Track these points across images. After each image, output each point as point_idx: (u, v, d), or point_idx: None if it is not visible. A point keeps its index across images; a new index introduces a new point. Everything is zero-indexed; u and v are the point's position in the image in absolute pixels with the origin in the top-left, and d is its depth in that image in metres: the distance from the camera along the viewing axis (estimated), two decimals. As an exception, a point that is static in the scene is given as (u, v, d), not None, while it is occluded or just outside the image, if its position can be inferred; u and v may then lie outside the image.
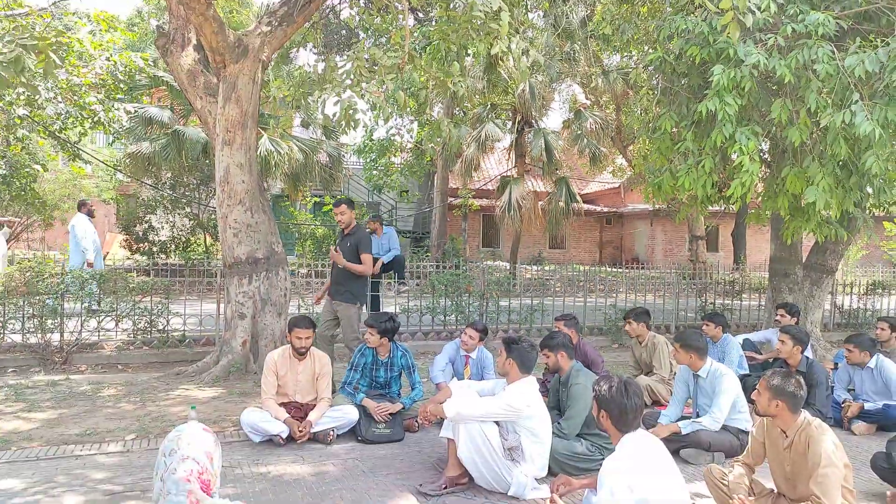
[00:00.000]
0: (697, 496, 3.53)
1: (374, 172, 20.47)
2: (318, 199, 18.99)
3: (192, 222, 17.56)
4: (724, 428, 4.34)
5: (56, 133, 12.89)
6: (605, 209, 26.40)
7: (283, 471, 3.96)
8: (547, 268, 18.83)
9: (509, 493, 3.58)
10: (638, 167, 7.61)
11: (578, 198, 17.78)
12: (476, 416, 3.56)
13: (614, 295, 10.94)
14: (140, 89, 14.43)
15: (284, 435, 4.34)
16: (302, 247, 18.55)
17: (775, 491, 3.32)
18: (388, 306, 9.48)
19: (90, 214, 9.64)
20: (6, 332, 7.10)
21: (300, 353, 4.57)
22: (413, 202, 23.28)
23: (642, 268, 15.39)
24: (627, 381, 2.79)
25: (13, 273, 7.20)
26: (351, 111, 5.92)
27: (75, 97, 11.96)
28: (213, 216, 18.31)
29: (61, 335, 7.19)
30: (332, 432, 4.44)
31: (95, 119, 12.34)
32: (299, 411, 4.51)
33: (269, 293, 6.88)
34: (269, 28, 6.67)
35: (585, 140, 16.86)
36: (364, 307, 6.43)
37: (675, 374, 5.62)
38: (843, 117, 4.76)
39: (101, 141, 19.01)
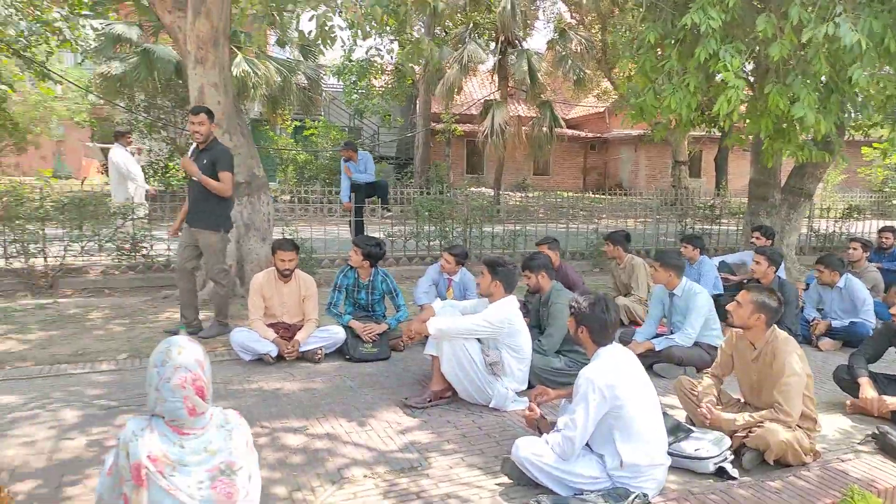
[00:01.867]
0: (668, 407, 3.73)
1: (355, 96, 19.98)
2: (298, 124, 18.61)
3: (168, 147, 17.15)
4: (696, 344, 4.54)
5: (20, 52, 12.34)
6: (590, 135, 26.22)
7: (273, 386, 4.10)
8: (531, 194, 18.85)
9: (491, 405, 3.76)
10: (622, 88, 7.52)
11: (563, 123, 17.63)
12: (459, 333, 3.68)
13: (597, 221, 11.05)
14: (105, 3, 13.72)
15: (274, 354, 4.47)
16: (284, 172, 18.31)
17: (742, 400, 3.53)
18: (373, 232, 9.52)
19: (127, 144, 9.55)
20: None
21: (284, 276, 4.63)
22: (395, 127, 22.88)
23: (626, 194, 15.50)
24: (605, 297, 2.90)
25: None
26: (327, 27, 5.72)
27: (37, 12, 11.38)
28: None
29: (45, 259, 7.17)
30: (320, 351, 4.58)
31: (61, 37, 11.79)
32: (287, 331, 4.62)
33: (252, 218, 6.86)
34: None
35: (570, 62, 16.52)
36: (226, 233, 5.42)
37: (650, 294, 5.81)
38: (827, 29, 4.69)
39: (69, 61, 18.18)
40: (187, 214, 5.35)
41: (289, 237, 5.38)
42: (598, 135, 26.18)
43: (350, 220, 9.25)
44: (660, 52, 6.64)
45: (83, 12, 12.38)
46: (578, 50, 16.37)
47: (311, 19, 5.73)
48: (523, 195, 19.46)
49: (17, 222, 6.99)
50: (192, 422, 2.10)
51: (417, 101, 20.52)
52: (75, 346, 4.92)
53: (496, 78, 17.97)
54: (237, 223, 6.77)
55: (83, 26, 11.89)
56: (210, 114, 5.25)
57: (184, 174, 5.41)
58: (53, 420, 3.45)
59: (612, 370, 2.73)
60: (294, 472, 2.96)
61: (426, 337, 3.94)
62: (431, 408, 3.77)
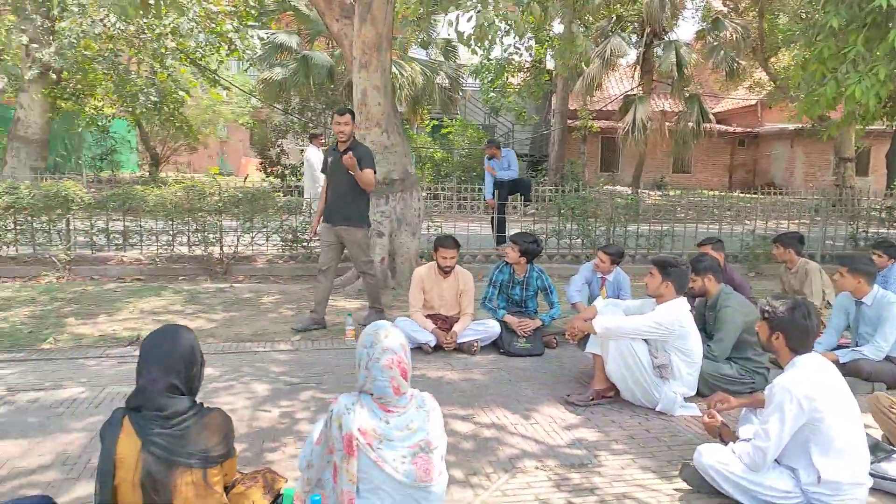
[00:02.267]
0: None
1: (492, 94, 20.13)
2: (436, 123, 19.09)
3: (322, 148, 18.33)
4: (888, 358, 4.11)
5: (197, 61, 13.77)
6: (739, 129, 24.47)
7: (436, 375, 4.26)
8: (671, 193, 17.99)
9: (658, 409, 3.65)
10: (796, 77, 6.95)
11: (711, 117, 16.62)
12: (626, 333, 3.61)
13: (748, 222, 10.32)
14: (268, 15, 14.95)
15: (432, 344, 4.64)
16: (421, 170, 18.91)
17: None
18: (513, 229, 9.58)
19: (320, 146, 10.50)
20: (175, 244, 7.96)
21: (445, 271, 4.78)
22: (530, 125, 22.78)
23: (780, 193, 14.30)
24: (805, 302, 2.71)
25: (177, 192, 7.96)
26: (486, 25, 5.82)
27: (212, 24, 12.63)
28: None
29: (221, 248, 7.96)
30: (475, 343, 4.69)
31: (231, 46, 13.03)
32: (444, 323, 4.78)
33: (404, 213, 7.17)
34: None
35: (722, 52, 15.53)
36: (368, 228, 5.57)
37: (826, 302, 5.34)
38: None
39: (234, 68, 20.00)
40: (329, 214, 5.37)
41: (450, 234, 5.52)
42: (749, 129, 24.37)
43: (492, 217, 9.36)
44: (841, 35, 6.07)
45: (249, 23, 13.60)
46: (732, 39, 15.34)
47: (469, 20, 5.86)
48: (662, 194, 18.60)
49: (199, 214, 7.83)
50: (396, 400, 2.25)
51: (553, 98, 20.28)
52: (254, 326, 5.42)
53: (638, 71, 17.34)
54: (391, 218, 7.11)
55: (251, 36, 13.03)
56: (353, 115, 5.54)
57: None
58: (247, 392, 3.83)
59: (811, 380, 2.55)
60: (467, 457, 3.06)
61: (585, 336, 3.91)
62: (594, 406, 3.73)
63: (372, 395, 2.25)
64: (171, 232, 7.95)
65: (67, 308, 5.79)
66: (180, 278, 7.67)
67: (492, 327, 4.75)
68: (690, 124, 16.02)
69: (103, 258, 7.80)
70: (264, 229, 8.18)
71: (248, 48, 13.33)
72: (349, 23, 7.05)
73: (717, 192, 13.23)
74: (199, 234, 7.91)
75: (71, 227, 7.67)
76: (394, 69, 13.74)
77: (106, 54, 12.74)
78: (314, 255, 8.27)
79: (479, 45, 6.64)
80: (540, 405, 3.76)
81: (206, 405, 2.19)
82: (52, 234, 7.61)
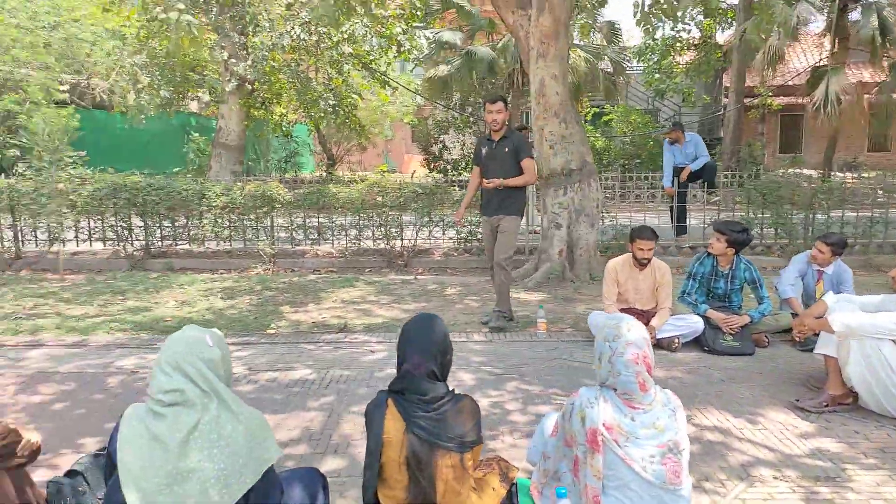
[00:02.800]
0: None
1: (657, 76, 19.14)
2: (597, 110, 18.57)
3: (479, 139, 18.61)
4: None
5: (369, 65, 14.58)
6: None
7: None
8: (868, 175, 15.89)
9: (909, 420, 3.23)
10: None
11: (923, 85, 14.42)
12: (870, 332, 3.22)
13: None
14: (433, 15, 15.44)
15: None
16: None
17: None
18: (695, 219, 9.02)
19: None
20: (362, 238, 8.52)
21: (641, 264, 4.60)
22: (699, 106, 21.34)
23: None
24: None
25: (364, 189, 8.51)
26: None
27: (382, 28, 13.29)
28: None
29: (402, 242, 8.37)
30: (677, 340, 4.47)
31: (400, 48, 13.63)
32: (641, 317, 4.59)
33: (583, 204, 7.04)
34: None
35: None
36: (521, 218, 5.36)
37: None
38: None
39: (397, 69, 20.96)
40: (486, 205, 5.24)
41: (647, 225, 5.32)
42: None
43: (671, 206, 8.88)
44: None
45: (415, 24, 14.12)
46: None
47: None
48: (856, 175, 16.48)
49: (382, 210, 8.29)
50: (642, 397, 2.19)
51: (725, 76, 18.79)
52: (445, 316, 5.59)
53: (829, 40, 15.48)
54: (569, 209, 7.01)
55: (418, 37, 13.54)
56: (506, 102, 5.14)
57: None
58: (455, 380, 3.98)
59: None
60: (694, 460, 2.91)
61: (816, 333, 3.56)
62: (829, 413, 3.38)
63: (615, 390, 2.21)
64: (357, 227, 8.53)
65: (280, 297, 6.42)
66: (367, 270, 8.18)
67: (694, 323, 4.49)
68: (895, 95, 14.02)
69: (301, 252, 8.57)
70: (440, 223, 8.48)
71: (415, 48, 13.87)
72: (525, 14, 7.04)
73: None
74: (382, 229, 8.40)
75: (274, 224, 8.52)
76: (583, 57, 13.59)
77: (291, 64, 13.96)
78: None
79: (668, 17, 6.28)
80: (764, 409, 3.48)
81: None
82: (259, 230, 8.50)
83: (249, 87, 14.05)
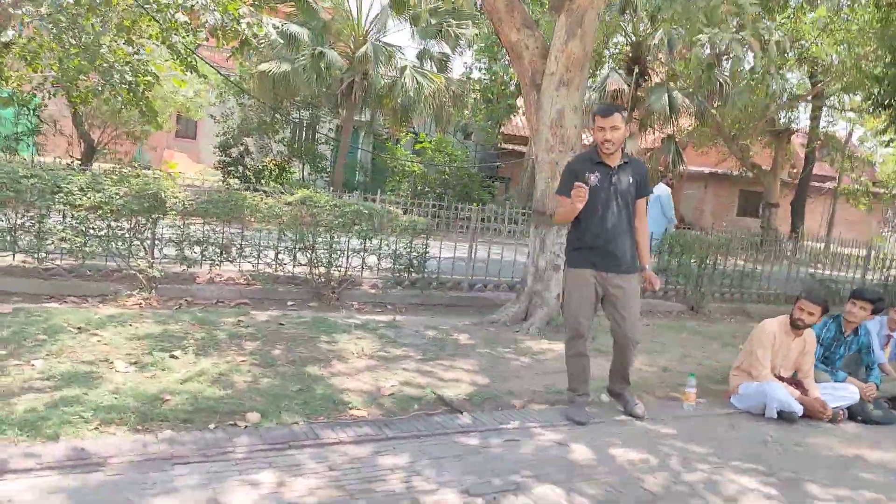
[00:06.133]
0: None
1: (466, 112, 19.71)
2: (412, 135, 18.34)
3: (287, 149, 16.87)
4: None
5: (188, 45, 11.90)
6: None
7: (846, 451, 3.80)
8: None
9: None
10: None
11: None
12: None
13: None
14: (266, 2, 13.35)
15: (800, 413, 4.16)
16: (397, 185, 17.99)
17: None
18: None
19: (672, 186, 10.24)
20: (280, 263, 6.67)
21: (798, 328, 4.30)
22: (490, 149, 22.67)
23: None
24: None
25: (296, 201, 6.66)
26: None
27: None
28: (315, 144, 17.52)
29: (334, 270, 6.80)
30: (842, 412, 4.31)
31: (243, 38, 11.38)
32: (795, 386, 4.32)
33: (579, 245, 6.59)
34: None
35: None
36: None
37: None
38: None
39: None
40: (596, 255, 3.82)
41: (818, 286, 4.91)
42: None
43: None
44: None
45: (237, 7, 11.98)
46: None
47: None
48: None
49: (316, 229, 6.63)
50: None
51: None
52: (507, 387, 4.57)
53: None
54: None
55: (265, 25, 11.50)
56: (622, 115, 3.88)
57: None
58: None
59: None
60: None
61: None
62: None
63: None
64: (276, 248, 6.68)
65: (272, 350, 4.49)
66: (289, 303, 6.45)
67: (854, 392, 4.37)
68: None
69: (192, 276, 6.36)
70: (378, 251, 7.13)
71: (259, 37, 11.75)
72: (531, 34, 6.41)
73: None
74: (308, 253, 6.71)
75: (155, 235, 6.15)
76: (421, 81, 13.00)
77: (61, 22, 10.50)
78: (434, 282, 7.36)
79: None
80: None
81: None
82: (130, 242, 6.01)
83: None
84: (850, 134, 23.83)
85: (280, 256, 6.71)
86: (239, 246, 6.54)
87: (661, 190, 9.84)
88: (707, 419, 4.11)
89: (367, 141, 19.66)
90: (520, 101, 23.15)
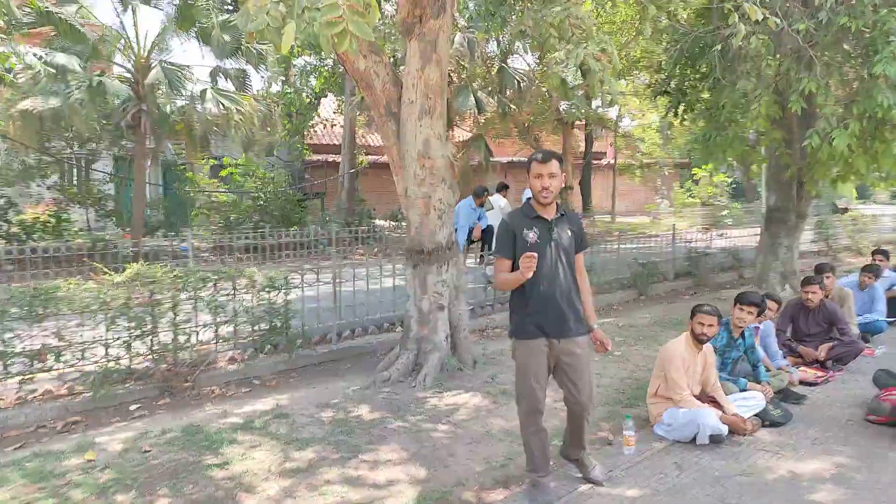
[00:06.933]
0: None
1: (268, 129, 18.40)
2: (214, 161, 16.65)
3: (60, 194, 14.35)
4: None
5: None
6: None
7: (795, 469, 3.93)
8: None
9: None
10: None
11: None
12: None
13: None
14: (19, 28, 10.93)
15: (725, 433, 4.23)
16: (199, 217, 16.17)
17: None
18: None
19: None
20: (111, 357, 5.39)
21: (700, 342, 4.38)
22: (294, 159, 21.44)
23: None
24: None
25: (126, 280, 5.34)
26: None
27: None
28: (96, 185, 15.00)
29: (183, 352, 5.71)
30: (755, 421, 4.45)
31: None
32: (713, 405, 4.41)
33: (458, 279, 6.29)
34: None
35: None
36: None
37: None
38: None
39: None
40: (544, 321, 3.42)
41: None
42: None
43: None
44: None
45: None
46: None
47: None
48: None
49: (156, 307, 5.46)
50: None
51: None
52: (481, 461, 4.12)
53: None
54: (450, 287, 6.14)
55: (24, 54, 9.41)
56: (561, 161, 3.48)
57: None
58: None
59: None
60: None
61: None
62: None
63: None
64: (105, 342, 5.39)
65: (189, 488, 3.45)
66: (133, 406, 5.26)
67: (759, 398, 4.53)
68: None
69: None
70: (236, 319, 6.13)
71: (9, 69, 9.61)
72: (379, 60, 5.89)
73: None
74: (149, 339, 5.53)
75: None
76: (227, 104, 11.71)
77: None
78: (300, 342, 6.50)
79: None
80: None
81: None
82: None
83: None
84: (619, 116, 26.80)
85: (110, 351, 5.43)
86: (55, 349, 5.14)
87: (503, 202, 10.07)
88: (652, 463, 3.99)
89: (155, 173, 17.48)
90: (322, 111, 22.43)
